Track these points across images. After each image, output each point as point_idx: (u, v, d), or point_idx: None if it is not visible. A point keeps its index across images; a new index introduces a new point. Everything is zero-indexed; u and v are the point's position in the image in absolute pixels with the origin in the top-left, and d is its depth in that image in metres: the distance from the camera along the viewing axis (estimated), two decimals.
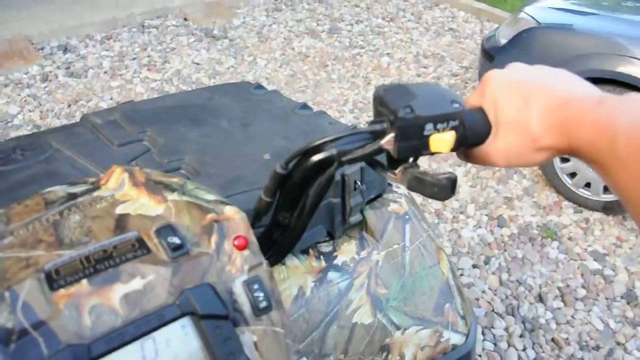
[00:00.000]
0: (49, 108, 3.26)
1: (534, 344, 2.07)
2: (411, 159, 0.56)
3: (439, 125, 0.50)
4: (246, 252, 0.51)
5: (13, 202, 0.57)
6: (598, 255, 2.53)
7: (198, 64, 3.74)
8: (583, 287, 2.36)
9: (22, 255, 0.48)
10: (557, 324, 2.16)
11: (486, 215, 2.76)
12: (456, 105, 0.50)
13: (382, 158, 0.57)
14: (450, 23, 5.03)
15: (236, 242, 0.50)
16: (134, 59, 3.76)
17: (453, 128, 0.50)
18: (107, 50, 3.83)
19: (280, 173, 0.55)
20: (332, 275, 0.94)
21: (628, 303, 2.29)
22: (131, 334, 0.43)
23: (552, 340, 2.09)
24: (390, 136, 0.50)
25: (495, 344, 2.05)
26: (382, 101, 0.52)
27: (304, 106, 1.18)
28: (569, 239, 2.64)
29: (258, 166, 0.95)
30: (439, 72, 4.10)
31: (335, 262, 0.96)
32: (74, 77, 3.51)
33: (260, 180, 0.94)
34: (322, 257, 0.96)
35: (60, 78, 3.48)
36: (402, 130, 0.49)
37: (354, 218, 0.99)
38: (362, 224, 1.02)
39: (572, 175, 2.86)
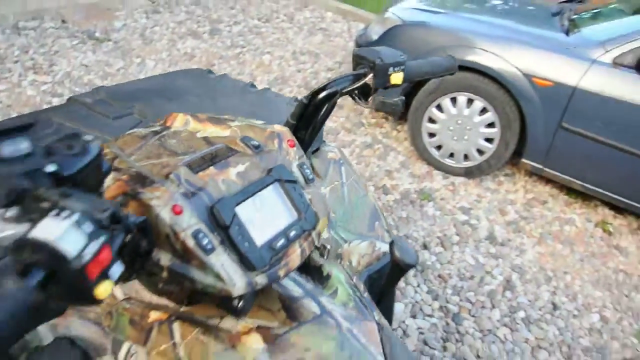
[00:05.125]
0: None
1: (425, 280, 2.53)
2: (372, 93, 0.91)
3: (396, 68, 0.85)
4: (294, 148, 0.81)
5: None
6: (465, 209, 3.10)
7: (87, 66, 3.76)
8: (456, 234, 2.89)
9: (155, 162, 0.73)
10: (441, 264, 2.65)
11: (373, 185, 3.21)
12: (403, 57, 0.86)
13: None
14: (320, 23, 5.50)
15: (289, 143, 0.80)
16: (16, 62, 3.67)
17: (402, 70, 0.86)
18: None
19: (304, 102, 0.86)
20: None
21: (490, 243, 2.87)
22: (250, 191, 0.72)
23: (439, 276, 2.57)
24: (370, 76, 0.84)
25: None
26: (361, 57, 0.86)
27: (252, 85, 1.47)
28: (441, 199, 3.18)
29: None
30: (316, 68, 4.53)
31: None
32: None
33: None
34: None
35: None
36: (377, 71, 0.84)
37: None
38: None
39: (438, 147, 3.42)
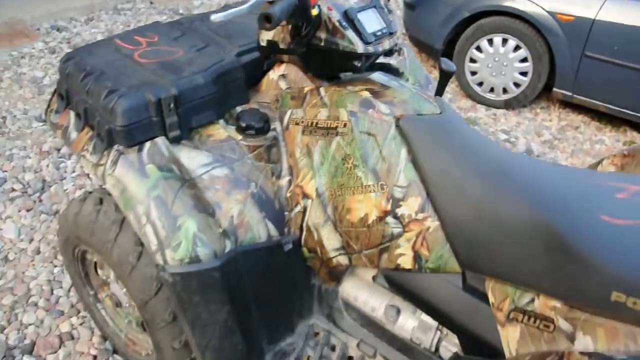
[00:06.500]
0: None
1: None
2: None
3: None
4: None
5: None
6: (505, 131, 3.63)
7: None
8: None
9: None
10: None
11: None
12: None
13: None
14: None
15: None
16: None
17: None
18: (95, 29, 4.46)
19: None
20: None
21: (529, 155, 3.39)
22: (362, 9, 1.32)
23: None
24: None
25: None
26: None
27: None
28: (485, 124, 3.72)
29: None
30: None
31: None
32: None
33: None
34: None
35: (67, 50, 4.09)
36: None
37: None
38: None
39: (480, 84, 3.96)
